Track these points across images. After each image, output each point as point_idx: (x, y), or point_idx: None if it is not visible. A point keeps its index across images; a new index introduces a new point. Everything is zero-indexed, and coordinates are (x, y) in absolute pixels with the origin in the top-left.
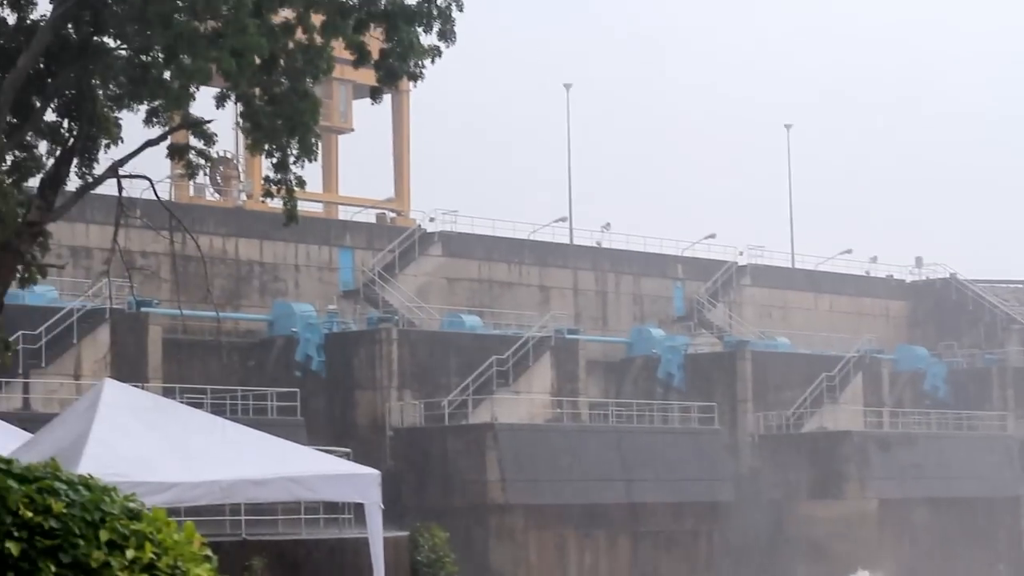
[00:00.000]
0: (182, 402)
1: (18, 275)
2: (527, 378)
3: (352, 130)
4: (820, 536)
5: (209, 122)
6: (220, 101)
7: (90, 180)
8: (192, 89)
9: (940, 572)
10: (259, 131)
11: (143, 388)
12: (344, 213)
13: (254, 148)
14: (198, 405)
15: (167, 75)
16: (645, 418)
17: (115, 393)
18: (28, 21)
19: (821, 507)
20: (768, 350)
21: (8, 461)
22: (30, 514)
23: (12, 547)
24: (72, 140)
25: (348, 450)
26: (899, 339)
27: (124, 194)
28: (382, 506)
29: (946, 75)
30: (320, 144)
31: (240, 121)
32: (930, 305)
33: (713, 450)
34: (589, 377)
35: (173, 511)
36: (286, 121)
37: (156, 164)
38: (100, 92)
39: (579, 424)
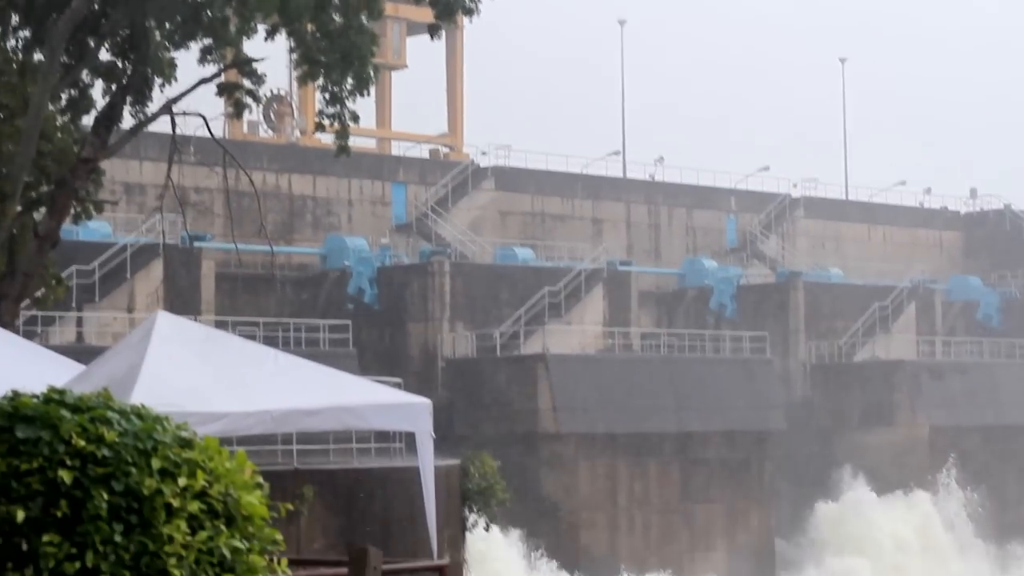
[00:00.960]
0: (235, 335)
1: (73, 211)
2: (579, 310)
3: (405, 67)
4: (871, 463)
5: (262, 60)
6: (270, 34)
7: (144, 118)
8: (249, 26)
9: (991, 499)
10: (314, 65)
11: (196, 321)
12: (397, 149)
13: (306, 79)
14: (251, 338)
15: (226, 12)
16: (697, 348)
17: (168, 325)
18: None
19: (872, 435)
20: (821, 281)
21: (61, 392)
22: (83, 443)
23: (65, 475)
24: (126, 79)
25: (400, 380)
26: (953, 270)
27: (178, 131)
28: (433, 435)
29: (993, 4)
30: (375, 78)
31: (294, 57)
32: (984, 236)
33: (765, 380)
34: (641, 308)
35: (225, 441)
36: (342, 55)
37: (209, 102)
38: (154, 31)
39: (630, 354)
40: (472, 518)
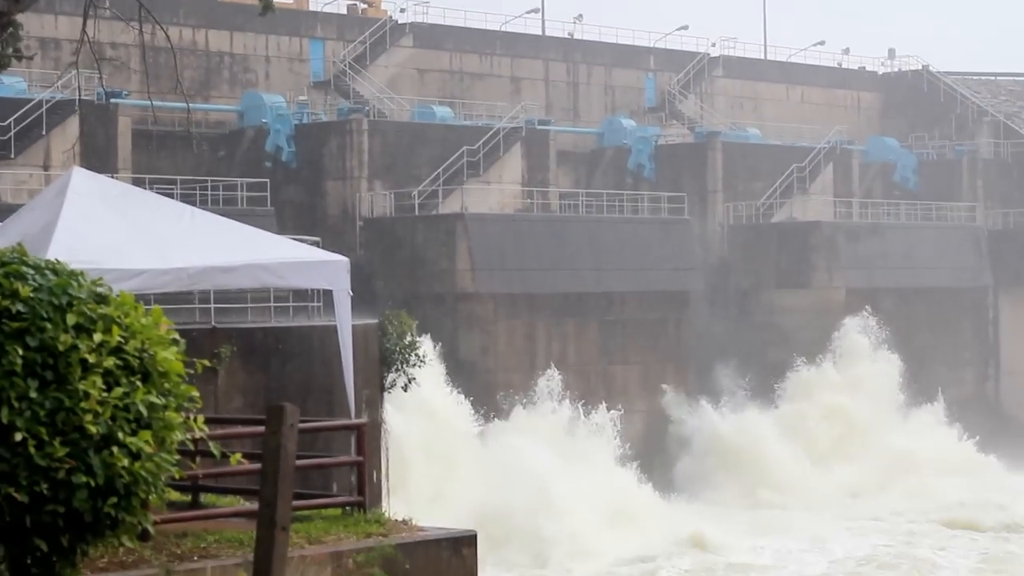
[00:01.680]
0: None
1: None
2: (497, 168)
3: None
4: (787, 324)
5: None
6: None
7: None
8: None
9: (906, 361)
10: None
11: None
12: (315, 4)
13: None
14: (168, 196)
15: None
16: (615, 208)
17: (84, 181)
18: None
19: (789, 296)
20: (739, 141)
21: None
22: None
23: None
24: None
25: (317, 239)
26: (870, 131)
27: None
28: (351, 293)
29: None
30: None
31: None
32: (902, 97)
33: (683, 240)
34: (560, 168)
35: (142, 299)
36: None
37: None
38: None
39: (549, 214)
40: (391, 377)
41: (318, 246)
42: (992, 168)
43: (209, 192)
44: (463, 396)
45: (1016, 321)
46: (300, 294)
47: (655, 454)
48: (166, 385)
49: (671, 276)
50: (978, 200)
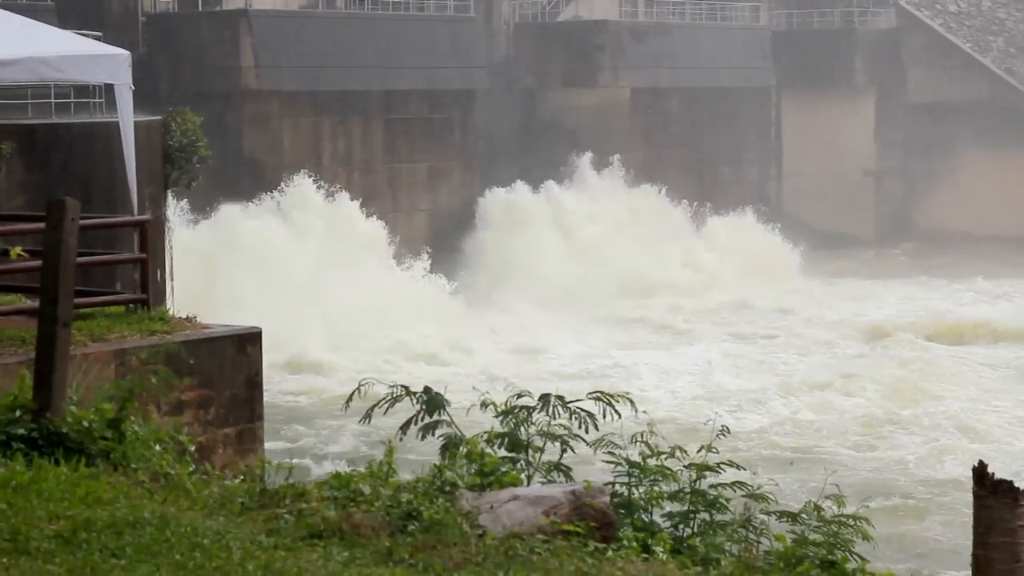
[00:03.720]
0: None
1: None
2: None
3: None
4: (573, 123)
5: None
6: None
7: None
8: None
9: (691, 159)
10: None
11: None
12: None
13: None
14: None
15: None
16: (401, 6)
17: None
18: None
19: (575, 95)
20: None
21: None
22: None
23: None
24: None
25: (99, 34)
26: None
27: None
28: (132, 87)
29: None
30: None
31: None
32: None
33: (468, 38)
34: None
35: None
36: None
37: None
38: None
39: (334, 11)
40: (175, 174)
41: (100, 40)
42: None
43: None
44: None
45: (797, 122)
46: (82, 90)
47: (439, 252)
48: None
49: (456, 74)
50: (762, 0)
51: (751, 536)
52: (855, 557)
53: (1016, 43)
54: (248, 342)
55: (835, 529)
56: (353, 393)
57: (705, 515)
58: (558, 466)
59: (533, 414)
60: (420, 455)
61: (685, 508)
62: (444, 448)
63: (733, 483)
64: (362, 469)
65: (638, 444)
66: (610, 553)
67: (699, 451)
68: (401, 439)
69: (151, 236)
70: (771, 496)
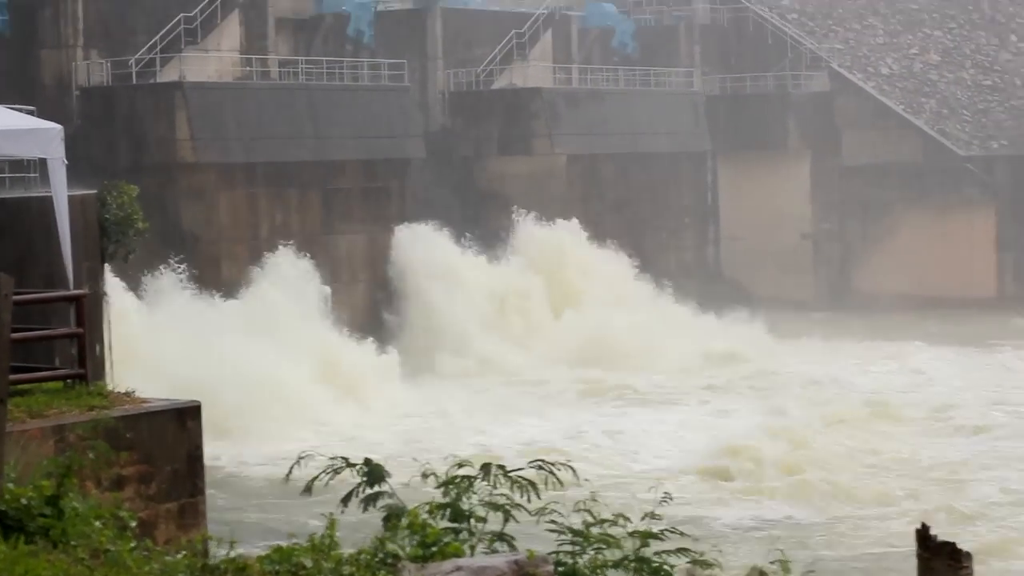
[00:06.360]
0: None
1: None
2: (216, 36)
3: None
4: (510, 191)
5: None
6: None
7: None
8: None
9: (629, 224)
10: None
11: None
12: None
13: None
14: None
15: None
16: (336, 76)
17: None
18: None
19: (511, 163)
20: (459, 7)
21: None
22: None
23: None
24: None
25: (32, 108)
26: None
27: None
28: (66, 161)
29: None
30: None
31: None
32: None
33: (404, 108)
34: (279, 35)
35: None
36: None
37: None
38: None
39: (269, 82)
40: (111, 248)
41: (33, 115)
42: (709, 33)
43: None
44: (186, 267)
45: (734, 186)
46: (16, 165)
47: (376, 325)
48: None
49: (392, 144)
50: (696, 66)
51: None
52: None
53: (948, 104)
54: (188, 416)
55: None
56: (293, 466)
57: None
58: (501, 536)
59: (474, 484)
60: (362, 527)
61: None
62: (386, 519)
63: (678, 550)
64: (303, 542)
65: (581, 512)
66: None
67: (643, 519)
68: (343, 511)
69: (88, 310)
70: (715, 562)
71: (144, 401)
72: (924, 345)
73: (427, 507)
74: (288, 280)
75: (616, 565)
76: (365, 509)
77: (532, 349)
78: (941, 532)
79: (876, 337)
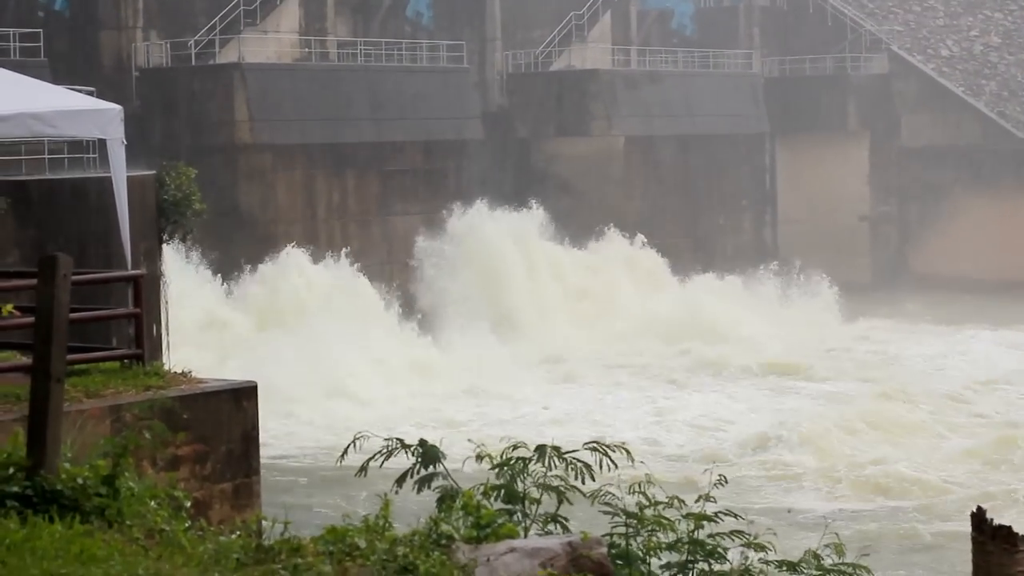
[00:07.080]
0: None
1: None
2: (275, 17)
3: None
4: (567, 173)
5: None
6: None
7: None
8: None
9: (686, 207)
10: None
11: None
12: None
13: None
14: None
15: None
16: (394, 57)
17: None
18: None
19: (568, 144)
20: None
21: None
22: None
23: None
24: None
25: (92, 88)
26: None
27: None
28: (125, 142)
29: None
30: None
31: None
32: None
33: (461, 89)
34: (337, 16)
35: None
36: None
37: None
38: None
39: (328, 64)
40: (169, 228)
41: (93, 95)
42: (768, 15)
43: None
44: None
45: (792, 169)
46: (75, 146)
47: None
48: None
49: (450, 125)
50: (754, 48)
51: None
52: None
53: (1008, 86)
54: (244, 396)
55: None
56: (348, 446)
57: (704, 565)
58: (555, 517)
59: (529, 465)
60: (417, 508)
61: (683, 558)
62: (440, 501)
63: (731, 532)
64: (358, 523)
65: (636, 494)
66: None
67: (697, 501)
68: (397, 492)
69: (145, 291)
70: (769, 545)
71: (200, 381)
72: (988, 328)
73: (481, 488)
74: (342, 262)
75: (670, 547)
76: (419, 491)
77: (613, 328)
78: (999, 517)
79: (939, 321)
